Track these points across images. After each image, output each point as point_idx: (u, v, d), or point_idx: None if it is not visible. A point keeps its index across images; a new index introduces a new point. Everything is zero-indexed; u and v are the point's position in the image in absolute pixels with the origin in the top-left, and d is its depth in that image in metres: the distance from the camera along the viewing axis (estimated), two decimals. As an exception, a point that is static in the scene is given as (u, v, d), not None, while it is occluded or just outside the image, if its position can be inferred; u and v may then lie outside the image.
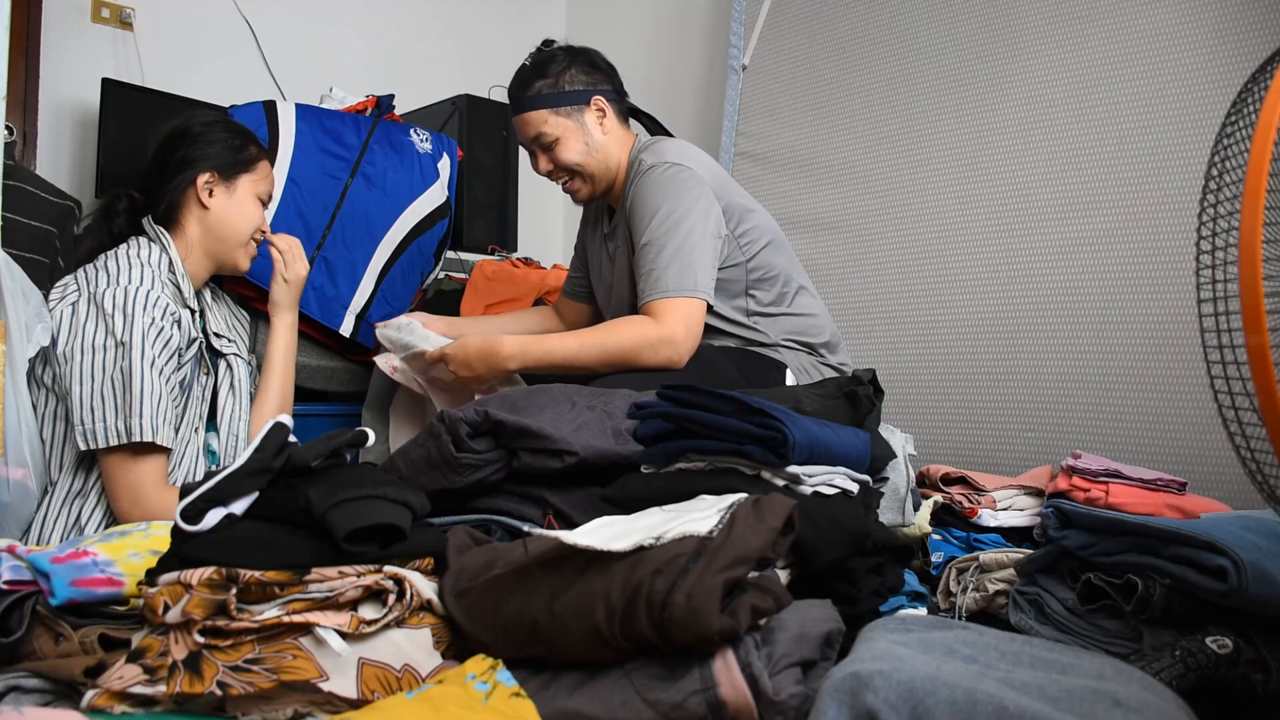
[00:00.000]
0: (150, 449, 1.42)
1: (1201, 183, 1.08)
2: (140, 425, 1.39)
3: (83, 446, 1.40)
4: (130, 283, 1.46)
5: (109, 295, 1.43)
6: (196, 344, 1.57)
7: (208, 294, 1.70)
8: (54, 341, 1.43)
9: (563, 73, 1.78)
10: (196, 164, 1.61)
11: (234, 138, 1.66)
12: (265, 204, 1.73)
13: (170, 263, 1.57)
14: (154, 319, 1.44)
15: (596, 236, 1.97)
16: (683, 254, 1.61)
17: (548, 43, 1.85)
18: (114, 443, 1.39)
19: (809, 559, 0.98)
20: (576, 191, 1.83)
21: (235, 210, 1.64)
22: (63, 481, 1.45)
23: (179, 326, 1.50)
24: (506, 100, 1.87)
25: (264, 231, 1.72)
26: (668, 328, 1.57)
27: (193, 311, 1.58)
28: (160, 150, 1.63)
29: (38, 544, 1.42)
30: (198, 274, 1.64)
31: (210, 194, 1.61)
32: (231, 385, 1.66)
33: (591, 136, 1.78)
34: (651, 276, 1.62)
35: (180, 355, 1.50)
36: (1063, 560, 1.18)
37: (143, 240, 1.57)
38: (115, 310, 1.42)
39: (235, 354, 1.69)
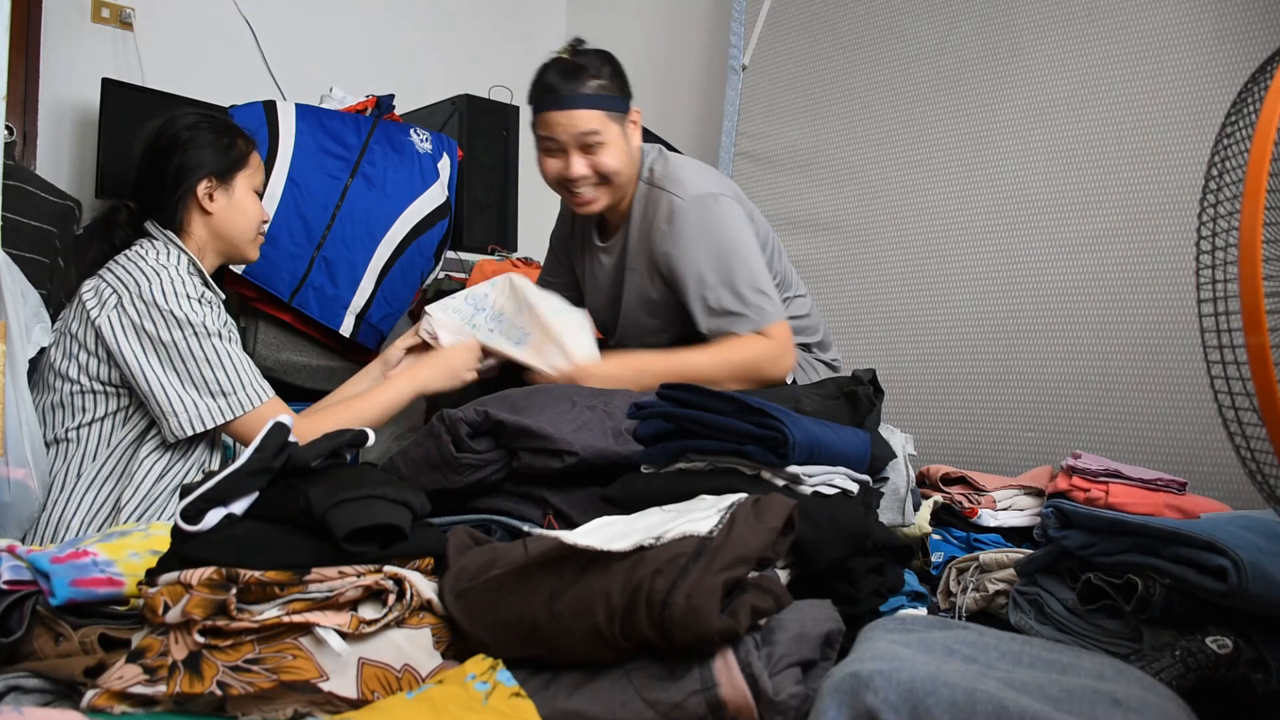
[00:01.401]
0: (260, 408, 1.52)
1: (1201, 183, 1.08)
2: (244, 399, 1.50)
3: (179, 435, 1.47)
4: (173, 278, 1.51)
5: (156, 292, 1.48)
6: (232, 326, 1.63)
7: None
8: (106, 347, 1.47)
9: (612, 76, 1.68)
10: (193, 172, 1.61)
11: (221, 137, 1.66)
12: (261, 194, 1.74)
13: (190, 260, 1.60)
14: (206, 302, 1.52)
15: (584, 245, 1.90)
16: (756, 285, 1.62)
17: (580, 41, 1.72)
18: (223, 420, 1.49)
19: (809, 559, 0.98)
20: (593, 201, 1.70)
21: (237, 210, 1.66)
22: (89, 469, 1.49)
23: (223, 309, 1.58)
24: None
25: (266, 221, 1.75)
26: (779, 344, 1.62)
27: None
28: (150, 159, 1.64)
29: (58, 527, 1.46)
30: (209, 271, 1.67)
31: (211, 199, 1.63)
32: None
33: (630, 145, 1.70)
34: (736, 314, 1.61)
35: (235, 327, 1.58)
36: (1063, 560, 1.18)
37: (157, 244, 1.58)
38: (172, 305, 1.48)
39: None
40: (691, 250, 1.63)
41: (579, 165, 1.66)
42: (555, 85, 1.64)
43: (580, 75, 1.64)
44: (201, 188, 1.61)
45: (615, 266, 1.81)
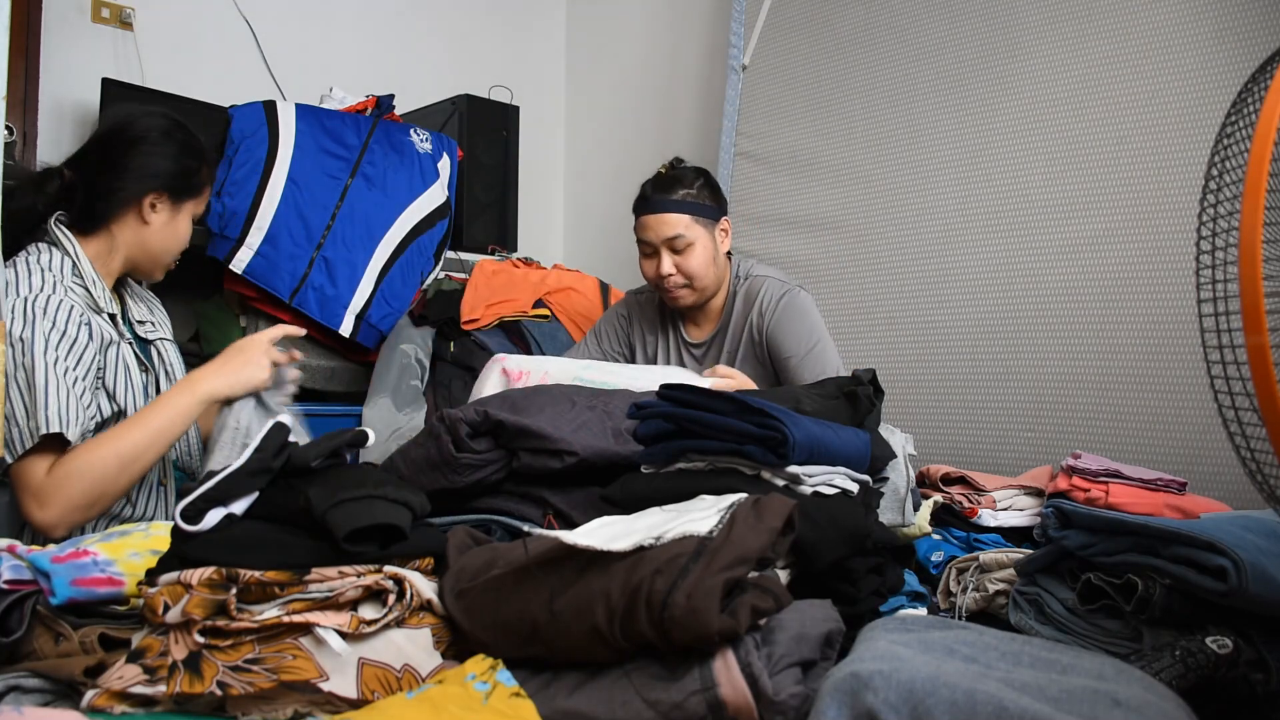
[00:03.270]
0: (56, 442, 1.34)
1: (1201, 183, 1.08)
2: (47, 417, 1.32)
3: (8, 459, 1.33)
4: (30, 291, 1.40)
5: (7, 308, 1.37)
6: (116, 346, 1.50)
7: (126, 285, 1.65)
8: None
9: (703, 188, 1.91)
10: (148, 180, 1.55)
11: (188, 157, 1.60)
12: (198, 220, 1.68)
13: (74, 266, 1.49)
14: (55, 323, 1.38)
15: (668, 341, 2.06)
16: (831, 355, 1.91)
17: (679, 160, 1.98)
18: (29, 445, 1.32)
19: (809, 559, 0.98)
20: (681, 298, 1.93)
21: (172, 233, 1.60)
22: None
23: (90, 330, 1.43)
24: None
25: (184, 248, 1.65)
26: None
27: (111, 316, 1.52)
28: (110, 146, 1.55)
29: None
30: (111, 274, 1.57)
31: (154, 210, 1.56)
32: (166, 372, 1.64)
33: (716, 252, 1.92)
34: (820, 372, 1.83)
35: (98, 358, 1.44)
36: (1063, 560, 1.18)
37: (42, 246, 1.49)
38: (14, 321, 1.36)
39: (161, 338, 1.66)
40: (790, 327, 1.90)
41: (666, 264, 1.88)
42: (649, 194, 1.91)
43: (672, 186, 1.89)
44: (149, 199, 1.55)
45: (704, 356, 2.01)
